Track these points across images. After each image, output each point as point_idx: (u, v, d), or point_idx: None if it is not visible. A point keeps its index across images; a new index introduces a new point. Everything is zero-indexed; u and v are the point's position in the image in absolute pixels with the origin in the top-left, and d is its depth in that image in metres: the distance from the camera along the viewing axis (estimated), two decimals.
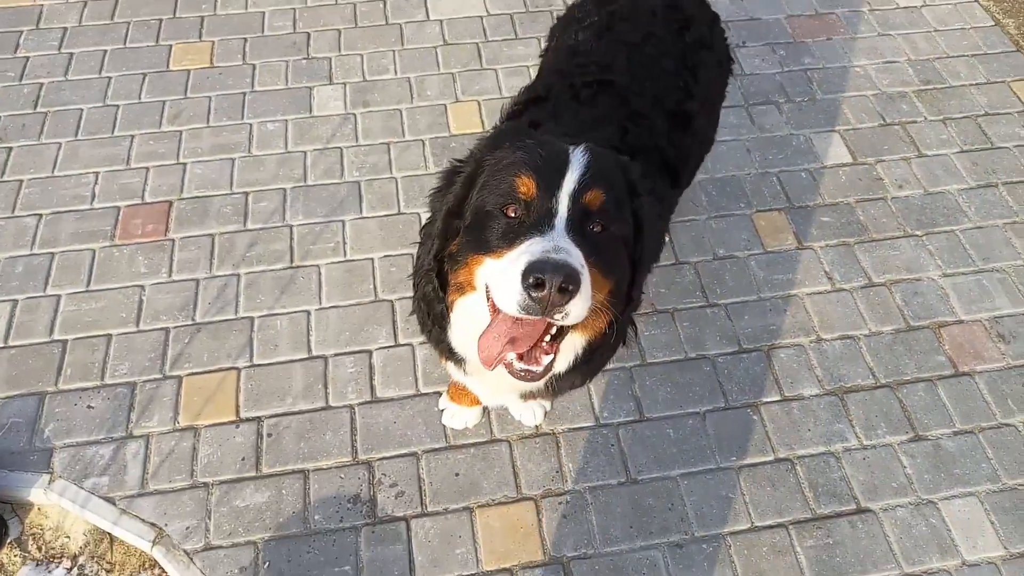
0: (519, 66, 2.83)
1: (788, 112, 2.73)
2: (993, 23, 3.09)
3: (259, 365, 2.10)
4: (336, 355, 2.12)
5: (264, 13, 3.02)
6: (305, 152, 2.57)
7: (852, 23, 3.06)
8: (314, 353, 2.12)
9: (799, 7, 3.11)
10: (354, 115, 2.68)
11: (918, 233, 2.41)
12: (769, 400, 2.06)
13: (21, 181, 2.49)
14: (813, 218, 2.44)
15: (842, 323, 2.20)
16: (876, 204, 2.48)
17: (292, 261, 2.31)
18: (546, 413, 2.01)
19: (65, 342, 2.14)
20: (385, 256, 2.32)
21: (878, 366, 2.12)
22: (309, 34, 2.94)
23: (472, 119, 2.68)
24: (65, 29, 2.95)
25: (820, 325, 2.20)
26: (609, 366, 2.08)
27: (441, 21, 2.99)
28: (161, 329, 2.17)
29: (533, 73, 2.80)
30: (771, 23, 3.04)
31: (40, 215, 2.40)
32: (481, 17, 3.01)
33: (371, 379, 2.08)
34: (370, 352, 2.12)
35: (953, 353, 2.15)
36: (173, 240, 2.35)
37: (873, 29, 3.04)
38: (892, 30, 3.04)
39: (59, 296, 2.23)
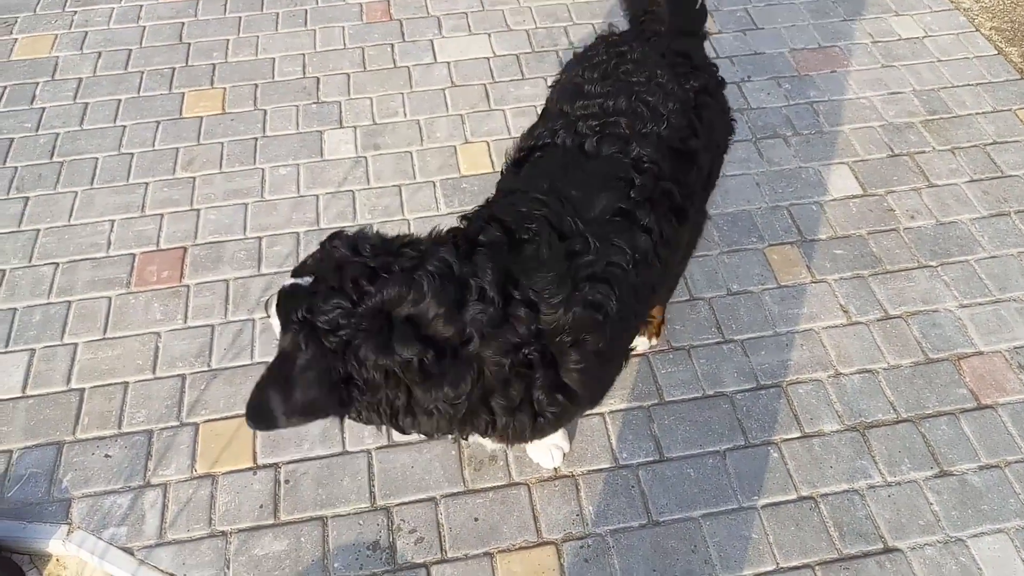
0: (527, 106, 2.86)
1: (796, 145, 2.75)
2: (996, 52, 3.11)
3: None
4: None
5: (274, 59, 3.07)
6: (317, 196, 2.59)
7: (855, 55, 3.09)
8: None
9: (802, 41, 3.15)
10: (365, 158, 2.71)
11: (932, 264, 2.40)
12: (789, 437, 2.04)
13: (38, 230, 2.52)
14: (826, 251, 2.44)
15: (860, 357, 2.19)
16: (888, 235, 2.48)
17: None
18: (564, 455, 1.99)
19: (82, 391, 2.14)
20: None
21: (898, 400, 2.10)
22: (318, 79, 2.99)
23: (482, 160, 2.70)
24: (80, 79, 3.00)
25: (838, 359, 2.18)
26: (624, 405, 2.08)
27: (448, 63, 3.03)
28: (177, 376, 2.17)
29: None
30: (775, 57, 3.08)
31: (57, 264, 2.43)
32: (488, 58, 3.05)
33: None
34: None
35: (974, 385, 2.13)
36: (188, 286, 2.37)
37: (876, 61, 3.07)
38: (895, 61, 3.07)
39: (76, 344, 2.24)
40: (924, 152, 2.74)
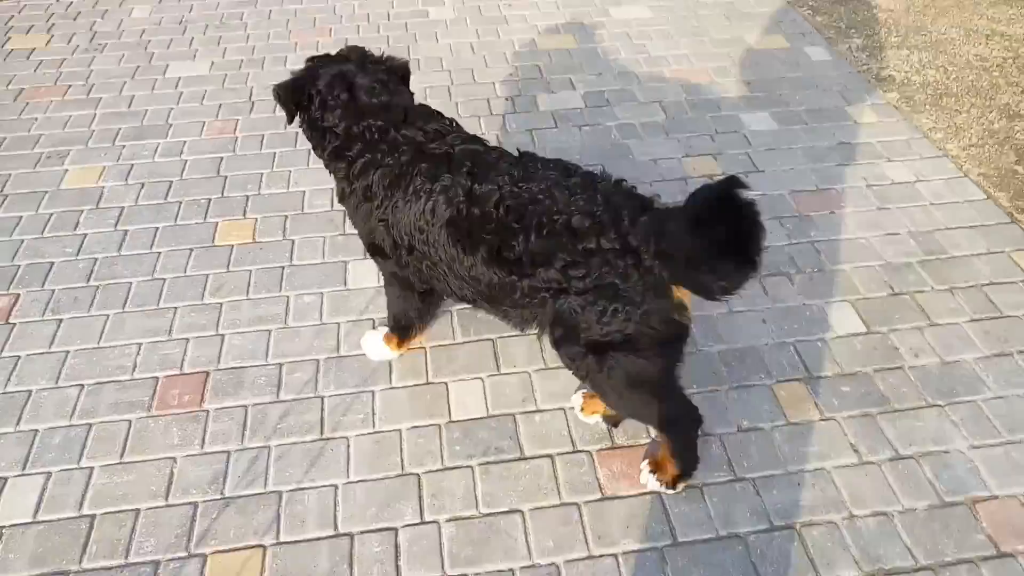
0: None
1: (799, 283, 2.86)
2: (986, 196, 3.28)
3: (285, 543, 2.08)
4: (362, 532, 2.10)
5: (304, 192, 3.28)
6: (339, 324, 2.69)
7: (852, 198, 3.26)
8: (340, 530, 2.11)
9: (801, 183, 3.34)
10: None
11: (940, 403, 2.43)
12: None
13: (67, 352, 2.61)
14: (833, 388, 2.48)
15: (873, 499, 2.18)
16: (894, 373, 2.53)
17: (322, 432, 2.35)
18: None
19: (93, 517, 2.15)
20: (413, 427, 2.36)
21: (916, 546, 2.07)
22: (345, 211, 3.16)
23: None
24: (122, 208, 3.20)
25: (851, 501, 2.17)
26: (636, 546, 2.06)
27: None
28: (189, 504, 2.18)
29: None
30: (776, 198, 3.26)
31: (82, 385, 2.50)
32: None
33: (396, 560, 2.05)
34: (396, 530, 2.11)
35: (993, 532, 2.10)
36: (207, 411, 2.42)
37: (872, 204, 3.24)
38: (890, 203, 3.23)
39: (92, 468, 2.26)
40: (924, 291, 2.83)
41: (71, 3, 4.77)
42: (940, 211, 3.20)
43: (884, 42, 4.36)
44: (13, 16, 4.63)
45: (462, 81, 3.98)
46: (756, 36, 4.38)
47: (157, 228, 3.11)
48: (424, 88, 3.89)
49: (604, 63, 4.12)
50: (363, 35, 4.37)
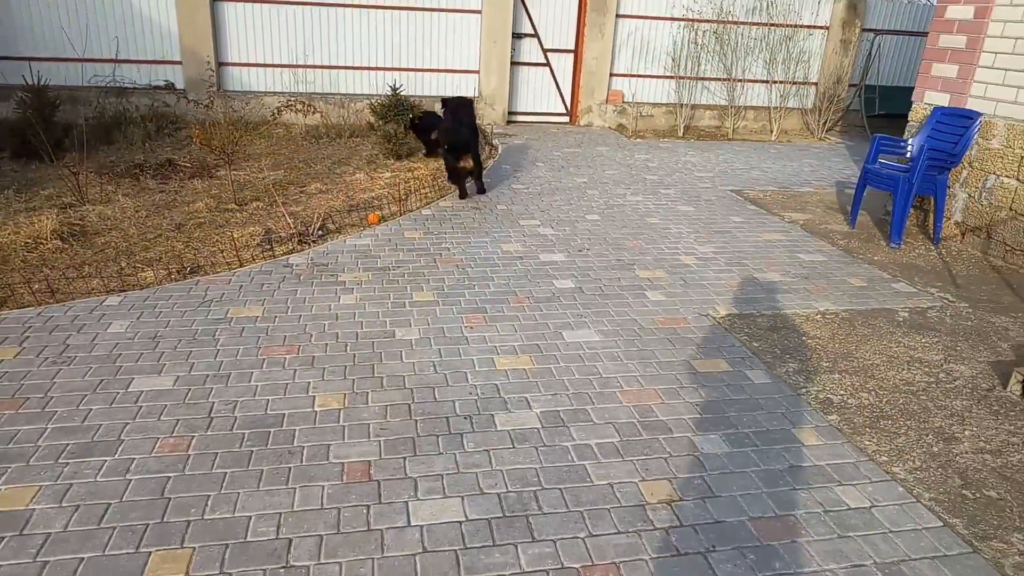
0: (498, 575, 2.85)
1: None
2: (941, 523, 3.29)
3: None
4: None
5: (250, 517, 3.13)
6: None
7: (812, 525, 3.24)
8: None
9: (759, 509, 3.33)
10: None
11: None
12: None
13: None
14: None
15: None
16: None
17: None
18: None
19: None
20: None
21: None
22: (291, 540, 3.00)
23: None
24: (48, 535, 2.98)
25: None
26: None
27: (421, 527, 3.10)
28: None
29: None
30: (736, 525, 3.21)
31: None
32: (460, 522, 3.14)
33: None
34: None
35: None
36: None
37: (832, 531, 3.20)
38: (851, 531, 3.21)
39: None
40: None
41: (51, 317, 4.99)
42: (900, 539, 3.17)
43: (817, 367, 4.73)
44: None
45: (423, 399, 4.10)
46: (699, 360, 4.73)
47: (81, 559, 2.86)
48: (385, 406, 3.99)
49: (559, 383, 4.34)
50: (330, 352, 4.59)
